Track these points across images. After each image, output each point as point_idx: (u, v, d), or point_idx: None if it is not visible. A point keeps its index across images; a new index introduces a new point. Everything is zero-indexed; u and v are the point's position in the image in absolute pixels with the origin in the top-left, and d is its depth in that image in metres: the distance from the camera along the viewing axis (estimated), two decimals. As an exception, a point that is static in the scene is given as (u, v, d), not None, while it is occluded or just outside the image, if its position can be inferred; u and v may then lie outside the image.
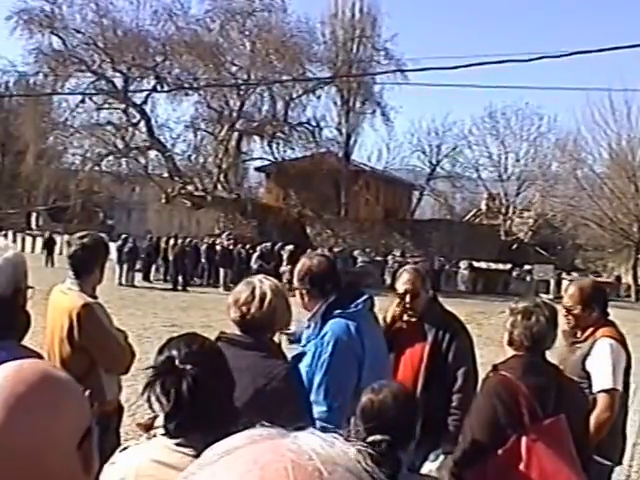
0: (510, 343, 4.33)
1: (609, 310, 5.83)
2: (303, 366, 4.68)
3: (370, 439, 3.18)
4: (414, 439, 3.37)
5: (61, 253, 43.51)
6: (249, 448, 0.99)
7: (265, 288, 4.08)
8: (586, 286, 5.79)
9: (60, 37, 49.65)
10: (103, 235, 6.44)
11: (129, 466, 2.61)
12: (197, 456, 2.50)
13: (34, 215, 69.57)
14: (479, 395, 4.36)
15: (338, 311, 4.75)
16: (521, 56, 18.52)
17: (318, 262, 4.91)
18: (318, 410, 4.54)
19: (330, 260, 5.31)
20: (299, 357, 4.79)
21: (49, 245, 44.38)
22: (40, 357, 3.63)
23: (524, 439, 3.98)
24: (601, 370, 5.33)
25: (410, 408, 3.46)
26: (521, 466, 3.95)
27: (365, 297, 4.98)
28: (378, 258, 42.69)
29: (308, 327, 4.96)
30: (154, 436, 2.70)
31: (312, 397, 4.60)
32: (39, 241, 51.18)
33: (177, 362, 2.64)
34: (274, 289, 4.12)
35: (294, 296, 4.99)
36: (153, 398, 2.64)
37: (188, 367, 2.61)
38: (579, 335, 5.65)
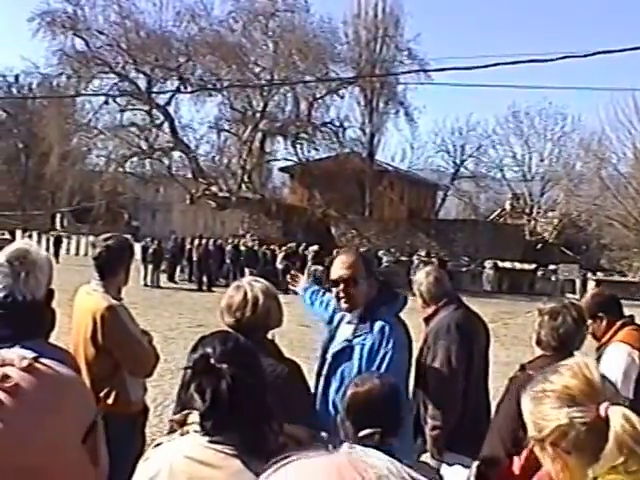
0: (538, 343, 4.32)
1: (631, 312, 5.80)
2: (355, 359, 4.70)
3: (362, 434, 3.18)
4: (402, 427, 3.37)
5: (85, 254, 44.35)
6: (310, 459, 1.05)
7: (256, 291, 4.15)
8: (592, 296, 5.81)
9: (83, 38, 49.73)
10: (128, 236, 6.45)
11: (163, 462, 2.63)
12: (232, 453, 2.52)
13: (58, 216, 69.80)
14: (505, 394, 4.33)
15: (386, 307, 4.82)
16: (545, 56, 18.54)
17: (365, 255, 5.02)
18: None
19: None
20: (343, 350, 4.82)
21: (56, 244, 46.61)
22: (68, 354, 3.67)
23: (549, 440, 3.95)
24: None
25: (395, 395, 3.47)
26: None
27: (403, 297, 5.05)
28: (403, 258, 42.55)
29: (349, 322, 4.95)
30: (187, 432, 2.71)
31: None
32: (63, 242, 51.86)
33: (213, 361, 2.64)
34: (265, 291, 4.19)
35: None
36: (192, 396, 2.66)
37: (225, 366, 2.61)
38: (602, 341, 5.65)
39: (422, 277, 6.01)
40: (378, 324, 4.68)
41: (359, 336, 4.75)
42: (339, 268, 4.87)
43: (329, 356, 4.89)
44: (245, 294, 4.12)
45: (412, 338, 4.97)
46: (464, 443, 5.57)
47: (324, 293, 5.86)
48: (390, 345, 4.61)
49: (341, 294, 4.83)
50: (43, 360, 1.62)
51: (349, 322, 4.92)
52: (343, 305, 4.87)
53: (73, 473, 1.54)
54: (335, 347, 4.90)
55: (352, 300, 4.81)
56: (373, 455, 1.11)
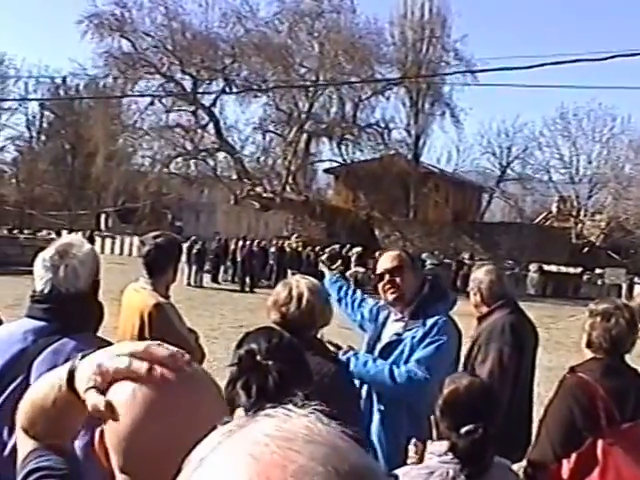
0: (589, 345, 4.24)
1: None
2: (406, 351, 4.72)
3: (464, 429, 3.12)
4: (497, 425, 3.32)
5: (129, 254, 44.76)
6: (219, 451, 0.96)
7: (302, 287, 4.12)
8: None
9: (130, 40, 50.12)
10: (176, 235, 6.47)
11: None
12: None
13: (103, 216, 70.36)
14: (555, 397, 4.27)
15: (440, 304, 4.89)
16: (594, 55, 18.39)
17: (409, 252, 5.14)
18: (413, 370, 4.59)
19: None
20: (391, 344, 4.84)
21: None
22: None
23: (600, 442, 3.91)
24: None
25: (492, 389, 3.44)
26: (597, 469, 3.89)
27: (454, 296, 5.13)
28: (447, 261, 42.30)
29: (398, 320, 4.97)
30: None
31: (414, 365, 4.63)
32: (108, 242, 52.22)
33: (259, 358, 2.64)
34: (311, 287, 4.15)
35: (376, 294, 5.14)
36: (237, 392, 2.64)
37: (271, 363, 2.61)
38: None
39: (482, 275, 5.95)
40: (431, 318, 4.71)
41: (410, 330, 4.76)
42: (385, 261, 4.96)
43: (376, 352, 4.88)
44: (290, 290, 4.12)
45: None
46: (503, 446, 5.51)
47: (354, 291, 5.84)
48: (441, 335, 4.64)
49: (387, 285, 4.88)
50: (187, 356, 1.56)
51: (398, 320, 4.93)
52: (390, 295, 4.91)
53: None
54: (383, 341, 4.91)
55: (399, 290, 4.86)
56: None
